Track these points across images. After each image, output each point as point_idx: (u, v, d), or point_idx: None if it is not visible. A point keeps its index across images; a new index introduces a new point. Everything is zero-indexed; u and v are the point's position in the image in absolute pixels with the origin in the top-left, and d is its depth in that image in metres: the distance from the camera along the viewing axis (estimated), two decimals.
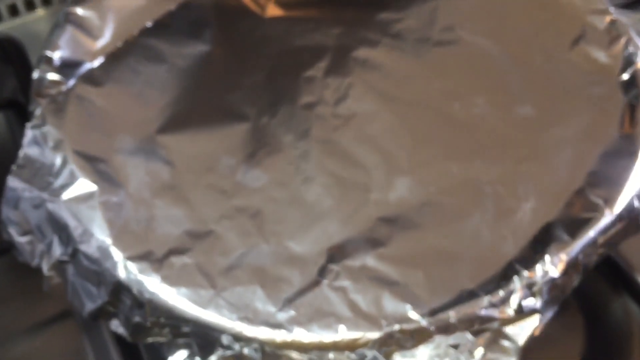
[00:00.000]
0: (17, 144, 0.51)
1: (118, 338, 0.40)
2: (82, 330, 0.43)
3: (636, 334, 0.43)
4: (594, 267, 0.38)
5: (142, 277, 0.34)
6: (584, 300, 0.44)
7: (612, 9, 0.45)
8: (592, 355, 0.45)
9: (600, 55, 0.43)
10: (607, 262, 0.41)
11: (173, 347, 0.35)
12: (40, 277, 0.43)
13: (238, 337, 0.33)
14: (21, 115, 0.50)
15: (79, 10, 0.44)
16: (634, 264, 0.43)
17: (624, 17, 0.46)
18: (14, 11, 0.56)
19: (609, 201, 0.37)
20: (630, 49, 0.43)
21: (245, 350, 0.33)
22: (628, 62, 0.42)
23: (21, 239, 0.37)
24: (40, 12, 0.56)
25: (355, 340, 0.33)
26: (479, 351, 0.34)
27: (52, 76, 0.41)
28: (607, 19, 0.45)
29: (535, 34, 0.45)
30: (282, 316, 0.33)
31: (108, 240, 0.35)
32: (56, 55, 0.42)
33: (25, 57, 0.52)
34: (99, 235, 0.35)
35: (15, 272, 0.44)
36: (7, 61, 0.53)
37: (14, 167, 0.38)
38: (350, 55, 0.44)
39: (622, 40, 0.44)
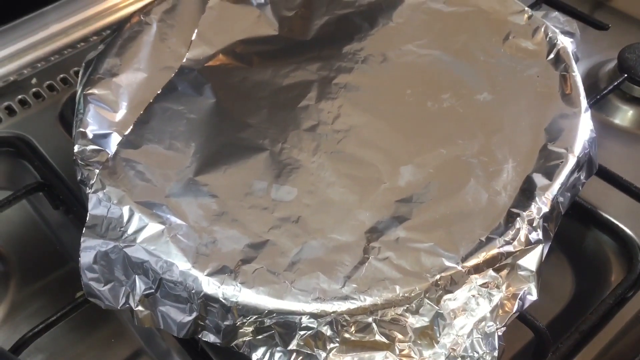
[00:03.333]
0: (45, 221, 0.57)
1: None
2: None
3: (610, 256, 0.53)
4: (568, 206, 0.47)
5: (224, 287, 0.40)
6: (564, 243, 0.53)
7: (527, 9, 0.56)
8: (580, 287, 0.54)
9: (528, 44, 0.54)
10: (575, 207, 0.50)
11: (254, 347, 0.42)
12: (109, 326, 0.49)
13: (315, 315, 0.40)
14: (44, 197, 0.55)
15: (96, 91, 0.51)
16: (595, 204, 0.53)
17: (537, 13, 0.57)
18: (10, 111, 0.62)
19: (570, 149, 0.47)
20: (550, 34, 0.54)
21: (322, 327, 0.40)
22: (552, 45, 0.53)
23: (104, 288, 0.43)
24: (34, 107, 0.63)
25: (410, 293, 0.40)
26: (504, 285, 0.42)
27: (91, 147, 0.47)
28: (525, 16, 0.56)
29: (473, 39, 0.55)
30: (347, 289, 0.41)
31: (188, 265, 0.41)
32: (88, 130, 0.48)
33: (36, 148, 0.58)
34: (179, 263, 0.41)
35: (86, 327, 0.49)
36: (21, 156, 0.58)
37: (84, 230, 0.44)
38: (332, 83, 0.53)
39: (542, 30, 0.55)
